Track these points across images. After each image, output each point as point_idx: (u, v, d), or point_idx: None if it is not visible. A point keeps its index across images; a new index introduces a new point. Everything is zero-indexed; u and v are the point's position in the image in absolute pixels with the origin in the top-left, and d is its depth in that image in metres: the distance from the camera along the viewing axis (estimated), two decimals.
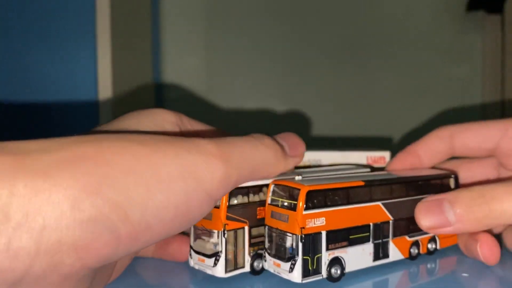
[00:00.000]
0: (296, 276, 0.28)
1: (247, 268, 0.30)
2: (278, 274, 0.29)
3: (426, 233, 0.34)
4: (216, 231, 0.29)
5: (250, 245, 0.30)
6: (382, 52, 1.40)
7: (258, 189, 0.31)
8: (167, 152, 0.23)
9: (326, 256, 0.29)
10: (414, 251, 0.33)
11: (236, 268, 0.29)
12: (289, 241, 0.28)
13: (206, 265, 0.29)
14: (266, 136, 0.29)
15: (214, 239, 0.29)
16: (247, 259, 0.30)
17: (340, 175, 0.33)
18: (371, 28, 1.39)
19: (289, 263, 0.28)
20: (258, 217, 0.30)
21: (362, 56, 1.40)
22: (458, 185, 0.36)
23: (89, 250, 0.20)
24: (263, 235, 0.30)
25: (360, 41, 1.39)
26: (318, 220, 0.28)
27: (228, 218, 0.29)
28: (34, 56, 0.89)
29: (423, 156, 0.38)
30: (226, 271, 0.29)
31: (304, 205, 0.28)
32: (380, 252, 0.32)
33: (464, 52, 1.41)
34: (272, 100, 1.40)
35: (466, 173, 0.38)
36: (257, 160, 0.27)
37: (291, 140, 0.31)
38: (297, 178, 0.30)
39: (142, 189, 0.21)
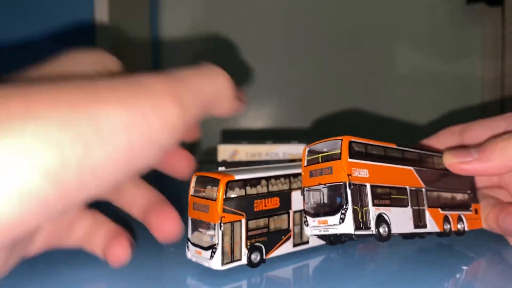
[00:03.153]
0: (349, 226, 0.27)
1: (244, 261, 0.30)
2: (324, 232, 0.29)
3: (455, 209, 0.35)
4: (212, 224, 0.29)
5: (247, 237, 0.30)
6: (382, 46, 1.39)
7: (256, 182, 0.31)
8: (110, 100, 0.19)
9: (373, 211, 0.29)
10: (447, 226, 0.34)
11: (233, 260, 0.29)
12: (336, 192, 0.28)
13: (202, 258, 0.29)
14: (216, 66, 0.26)
15: (211, 231, 0.29)
16: (244, 251, 0.30)
17: None
18: (370, 22, 1.38)
19: (339, 213, 0.28)
20: (255, 209, 0.30)
21: (361, 51, 1.39)
22: None
23: (16, 227, 0.17)
24: (260, 228, 0.30)
25: (359, 35, 1.39)
26: (362, 171, 0.29)
27: (224, 210, 0.29)
28: None
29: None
30: (222, 264, 0.29)
31: (348, 152, 0.28)
32: (419, 219, 0.32)
33: (464, 44, 1.41)
34: (271, 94, 1.40)
35: None
36: (211, 94, 0.24)
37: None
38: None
39: (79, 147, 0.18)
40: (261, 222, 0.31)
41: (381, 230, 0.29)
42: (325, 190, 0.29)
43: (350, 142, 0.28)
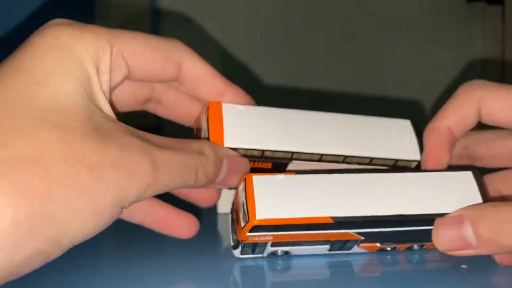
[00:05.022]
0: (237, 252, 0.29)
1: None
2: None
3: (401, 242, 0.30)
4: None
5: None
6: (381, 43, 1.39)
7: None
8: (110, 181, 0.22)
9: (269, 250, 0.29)
10: (385, 248, 0.30)
11: None
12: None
13: None
14: (212, 156, 0.27)
15: None
16: None
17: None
18: (370, 18, 1.38)
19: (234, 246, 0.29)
20: None
21: (361, 47, 1.39)
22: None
23: (19, 273, 0.21)
24: None
25: (358, 31, 1.39)
26: (265, 237, 0.27)
27: None
28: None
29: (455, 130, 0.32)
30: None
31: (248, 231, 0.26)
32: (340, 249, 0.29)
33: (464, 42, 1.41)
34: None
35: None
36: (183, 184, 0.26)
37: (234, 170, 0.28)
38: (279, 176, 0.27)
39: (79, 223, 0.21)
40: None
41: (275, 252, 0.29)
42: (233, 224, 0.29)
43: (253, 227, 0.26)
